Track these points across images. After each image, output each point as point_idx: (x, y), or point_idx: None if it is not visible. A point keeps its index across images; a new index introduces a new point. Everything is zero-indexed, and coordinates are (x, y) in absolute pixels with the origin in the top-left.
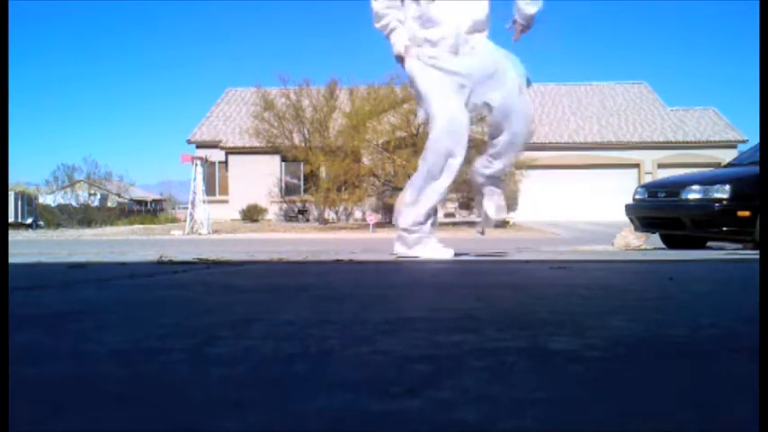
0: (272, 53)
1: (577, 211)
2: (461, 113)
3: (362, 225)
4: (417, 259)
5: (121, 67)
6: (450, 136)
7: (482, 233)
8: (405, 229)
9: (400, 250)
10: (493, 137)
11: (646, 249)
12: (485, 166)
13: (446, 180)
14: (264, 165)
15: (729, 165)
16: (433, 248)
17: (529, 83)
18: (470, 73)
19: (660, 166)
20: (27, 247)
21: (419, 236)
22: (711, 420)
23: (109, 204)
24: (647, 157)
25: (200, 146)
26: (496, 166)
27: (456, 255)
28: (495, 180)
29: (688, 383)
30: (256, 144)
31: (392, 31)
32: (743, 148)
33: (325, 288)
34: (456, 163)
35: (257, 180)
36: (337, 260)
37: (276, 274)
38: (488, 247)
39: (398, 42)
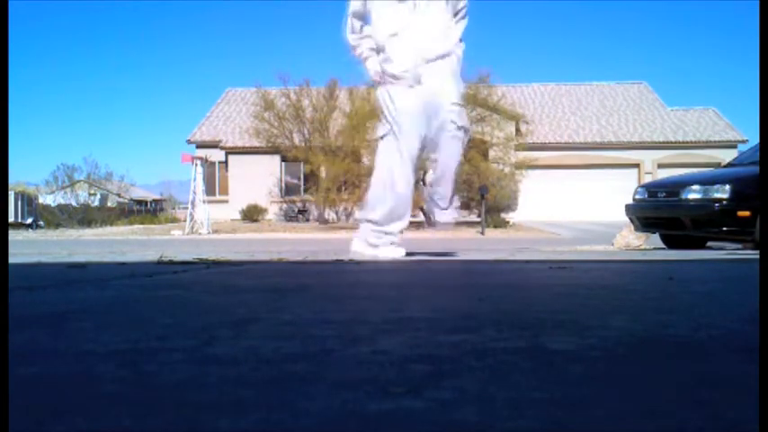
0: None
1: (577, 211)
2: (416, 142)
3: None
4: (418, 259)
5: (121, 66)
6: (407, 166)
7: (482, 233)
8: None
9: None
10: (432, 164)
11: (646, 249)
12: (429, 193)
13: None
14: (264, 165)
15: (729, 165)
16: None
17: (465, 131)
18: (427, 102)
19: (660, 166)
20: (27, 247)
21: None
22: (711, 420)
23: (109, 204)
24: (647, 157)
25: (200, 146)
26: (438, 192)
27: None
28: (439, 200)
29: (688, 383)
30: (256, 144)
31: (366, 59)
32: (743, 148)
33: (325, 288)
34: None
35: (257, 180)
36: (337, 260)
37: (276, 274)
38: (491, 246)
39: (371, 70)
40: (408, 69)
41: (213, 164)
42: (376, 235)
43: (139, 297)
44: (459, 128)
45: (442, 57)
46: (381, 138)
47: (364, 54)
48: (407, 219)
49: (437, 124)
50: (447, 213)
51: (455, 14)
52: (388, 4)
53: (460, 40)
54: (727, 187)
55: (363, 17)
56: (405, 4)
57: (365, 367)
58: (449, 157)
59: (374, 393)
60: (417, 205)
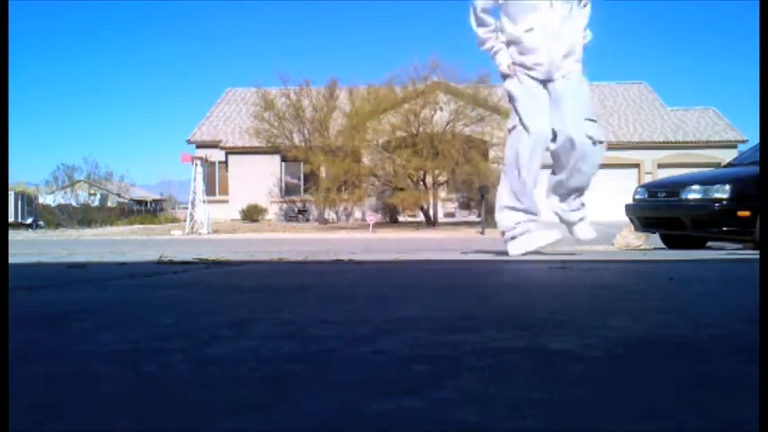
0: (272, 53)
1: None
2: (547, 132)
3: (362, 225)
4: (418, 259)
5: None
6: (535, 148)
7: (482, 233)
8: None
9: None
10: (554, 172)
11: (646, 249)
12: (556, 207)
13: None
14: (264, 165)
15: (729, 165)
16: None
17: (600, 143)
18: (555, 99)
19: (660, 166)
20: (27, 247)
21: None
22: (711, 420)
23: (109, 204)
24: (647, 157)
25: (200, 146)
26: (566, 205)
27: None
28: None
29: (688, 383)
30: (256, 144)
31: (496, 53)
32: (743, 148)
33: (325, 288)
34: (535, 167)
35: (257, 180)
36: (337, 260)
37: (276, 274)
38: (491, 246)
39: (503, 63)
40: (542, 63)
41: (213, 164)
42: (520, 225)
43: (139, 297)
44: (595, 142)
45: (571, 58)
46: (510, 130)
47: (496, 47)
48: (537, 211)
49: (559, 140)
50: (585, 230)
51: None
52: (526, 1)
53: (585, 29)
54: (727, 187)
55: (490, 11)
56: (542, 1)
57: (365, 367)
58: (583, 171)
59: (374, 393)
60: (417, 204)
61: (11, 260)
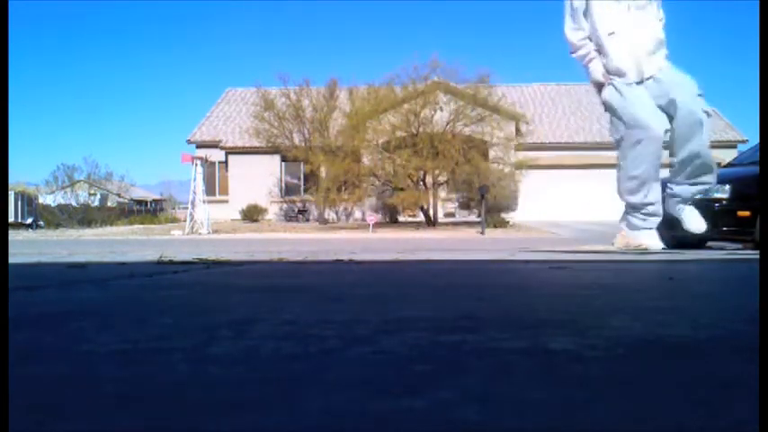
0: (272, 53)
1: (577, 211)
2: (660, 128)
3: (362, 225)
4: (418, 259)
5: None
6: (653, 145)
7: (482, 233)
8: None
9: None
10: (671, 156)
11: (646, 249)
12: (671, 187)
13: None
14: (264, 165)
15: (729, 165)
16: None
17: (708, 114)
18: (656, 95)
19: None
20: (27, 247)
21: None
22: (711, 420)
23: (109, 204)
24: None
25: (200, 146)
26: (677, 188)
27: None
28: (682, 199)
29: (688, 383)
30: (256, 144)
31: (590, 60)
32: (743, 148)
33: (325, 288)
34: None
35: (257, 180)
36: (337, 260)
37: (276, 274)
38: (491, 246)
39: (596, 71)
40: (631, 68)
41: (213, 164)
42: (639, 217)
43: (139, 297)
44: (709, 114)
45: (658, 55)
46: (618, 140)
47: (590, 55)
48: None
49: (681, 116)
50: (697, 219)
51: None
52: (606, 4)
53: (661, 18)
54: (727, 187)
55: (583, 13)
56: (620, 3)
57: (365, 367)
58: (701, 145)
59: (374, 393)
60: (417, 204)
61: (11, 260)
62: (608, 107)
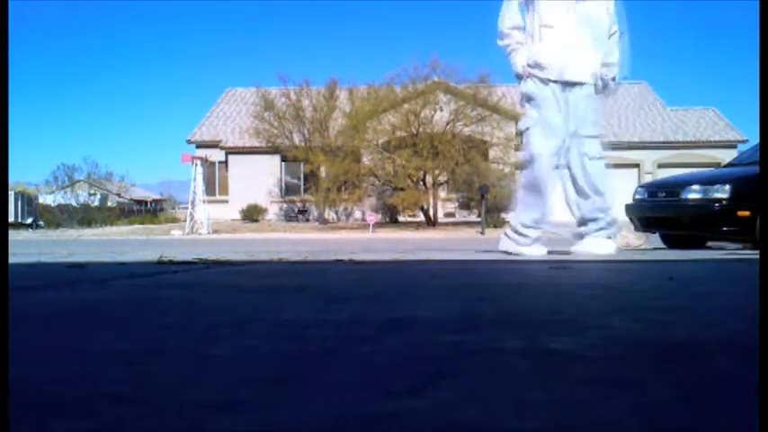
0: (272, 53)
1: None
2: (559, 131)
3: (362, 225)
4: (418, 259)
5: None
6: (544, 161)
7: (482, 233)
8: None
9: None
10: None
11: (646, 249)
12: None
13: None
14: (264, 165)
15: (729, 165)
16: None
17: (600, 159)
18: (567, 104)
19: (660, 166)
20: (27, 247)
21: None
22: (711, 420)
23: (109, 204)
24: (647, 157)
25: (201, 146)
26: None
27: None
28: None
29: (688, 383)
30: (256, 144)
31: (512, 51)
32: (743, 148)
33: (325, 288)
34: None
35: (257, 180)
36: (337, 260)
37: (276, 274)
38: (490, 246)
39: (517, 63)
40: (555, 62)
41: (213, 164)
42: (518, 233)
43: (139, 297)
44: (591, 158)
45: (589, 63)
46: (524, 131)
47: (512, 46)
48: (548, 216)
49: (572, 154)
50: (590, 243)
51: (610, 36)
52: (553, 2)
53: (615, 65)
54: (727, 187)
55: (519, 10)
56: (567, 2)
57: (365, 367)
58: (584, 178)
59: (374, 393)
60: (417, 204)
61: (11, 260)
62: (527, 99)
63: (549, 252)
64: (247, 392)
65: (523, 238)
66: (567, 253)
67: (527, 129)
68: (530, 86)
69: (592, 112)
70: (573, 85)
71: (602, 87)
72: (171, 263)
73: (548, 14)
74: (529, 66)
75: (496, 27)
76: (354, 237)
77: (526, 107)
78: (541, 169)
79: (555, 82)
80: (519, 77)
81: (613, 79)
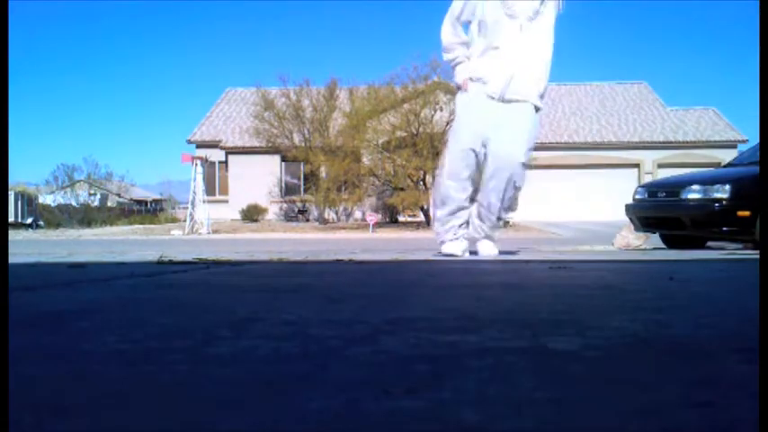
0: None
1: (577, 211)
2: (472, 150)
3: (362, 225)
4: (418, 259)
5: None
6: (461, 164)
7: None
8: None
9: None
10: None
11: (646, 249)
12: (474, 225)
13: (459, 195)
14: (264, 165)
15: (729, 165)
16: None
17: (519, 189)
18: (496, 124)
19: (660, 166)
20: (27, 247)
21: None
22: (711, 420)
23: (109, 204)
24: (647, 157)
25: (200, 146)
26: (481, 225)
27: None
28: (486, 228)
29: (688, 383)
30: (256, 144)
31: (458, 64)
32: (743, 148)
33: (325, 288)
34: (460, 185)
35: (257, 180)
36: (337, 260)
37: (276, 274)
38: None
39: (459, 75)
40: (497, 82)
41: (213, 164)
42: (444, 230)
43: (139, 297)
44: (517, 187)
45: (531, 89)
46: (448, 140)
47: (459, 59)
48: (462, 217)
49: (498, 174)
50: (485, 246)
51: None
52: (499, 16)
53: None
54: (727, 187)
55: (462, 22)
56: (514, 22)
57: (365, 367)
58: (505, 206)
59: (374, 393)
60: (417, 204)
61: (11, 260)
62: (456, 109)
63: (500, 252)
64: (247, 392)
65: (445, 234)
66: (512, 253)
67: (455, 137)
68: (463, 98)
69: (527, 131)
70: (511, 102)
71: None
72: (171, 263)
73: (496, 36)
74: (471, 79)
75: (441, 33)
76: (354, 237)
77: (456, 113)
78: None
79: (493, 99)
80: (458, 88)
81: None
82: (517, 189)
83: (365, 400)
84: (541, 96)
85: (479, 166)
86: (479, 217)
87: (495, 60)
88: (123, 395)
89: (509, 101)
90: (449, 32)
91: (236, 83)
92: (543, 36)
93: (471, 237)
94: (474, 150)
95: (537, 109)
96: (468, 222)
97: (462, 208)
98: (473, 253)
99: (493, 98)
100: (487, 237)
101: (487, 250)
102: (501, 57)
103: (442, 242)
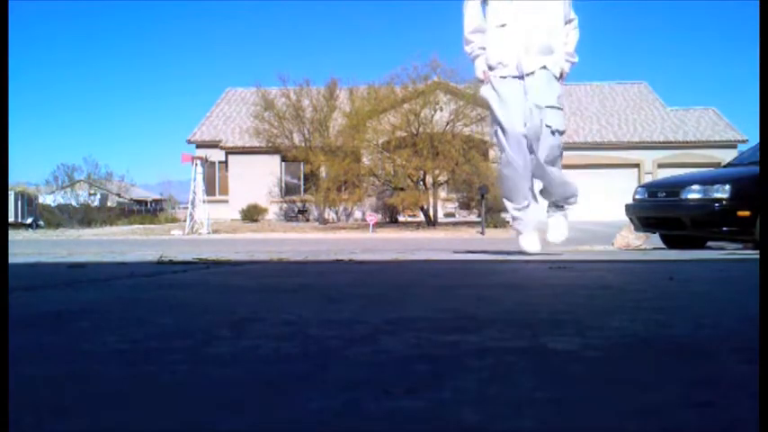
0: (272, 53)
1: (577, 211)
2: (521, 128)
3: (362, 225)
4: (418, 259)
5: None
6: (515, 147)
7: (482, 233)
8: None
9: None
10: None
11: (646, 249)
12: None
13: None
14: (264, 165)
15: (729, 165)
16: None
17: (560, 133)
18: (525, 92)
19: (660, 166)
20: (27, 247)
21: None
22: (711, 420)
23: (109, 204)
24: (647, 157)
25: (200, 146)
26: (546, 196)
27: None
28: (554, 206)
29: (688, 383)
30: (256, 144)
31: (476, 57)
32: (743, 148)
33: (325, 288)
34: (520, 167)
35: (257, 180)
36: (337, 260)
37: (276, 274)
38: (495, 247)
39: (478, 68)
40: (511, 59)
41: (213, 164)
42: (516, 223)
43: (139, 297)
44: (554, 131)
45: (546, 54)
46: (494, 134)
47: (475, 52)
48: (533, 210)
49: (532, 126)
50: (556, 232)
51: (567, 22)
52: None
53: (574, 52)
54: (727, 187)
55: (480, 13)
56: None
57: (365, 367)
58: (547, 159)
59: (374, 393)
60: (417, 204)
61: (11, 260)
62: (486, 104)
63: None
64: (247, 392)
65: (517, 223)
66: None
67: (495, 131)
68: (488, 90)
69: (554, 92)
70: (531, 73)
71: (559, 77)
72: (171, 263)
73: (500, 13)
74: (489, 67)
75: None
76: (354, 237)
77: (490, 109)
78: (515, 161)
79: (515, 77)
80: (480, 82)
81: (572, 65)
82: (559, 134)
83: (365, 400)
84: (565, 64)
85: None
86: (544, 195)
87: (505, 39)
88: (123, 395)
89: (530, 74)
90: (467, 20)
91: (236, 83)
92: (551, 5)
93: (540, 220)
94: (523, 135)
95: (560, 75)
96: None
97: (527, 197)
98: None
99: (514, 77)
100: (555, 216)
101: (556, 235)
102: (509, 33)
103: (519, 234)
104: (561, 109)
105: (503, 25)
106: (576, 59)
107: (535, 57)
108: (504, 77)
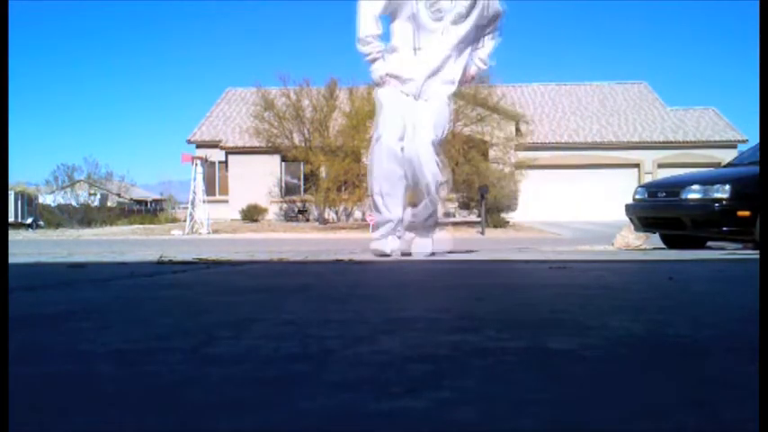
0: (272, 53)
1: (577, 211)
2: (397, 147)
3: (362, 225)
4: (417, 259)
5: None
6: (391, 158)
7: (482, 233)
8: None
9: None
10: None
11: (646, 249)
12: (409, 214)
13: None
14: (264, 165)
15: (729, 165)
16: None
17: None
18: (411, 122)
19: (660, 166)
20: (27, 247)
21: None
22: (711, 420)
23: (109, 204)
24: (647, 157)
25: (200, 146)
26: (415, 216)
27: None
28: (419, 226)
29: (688, 383)
30: (256, 144)
31: (374, 60)
32: (743, 148)
33: (325, 288)
34: (389, 186)
35: (257, 180)
36: (337, 260)
37: (276, 274)
38: (484, 246)
39: (375, 72)
40: (418, 79)
41: (213, 164)
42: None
43: (139, 297)
44: (436, 182)
45: (448, 84)
46: (374, 139)
47: (373, 55)
48: (396, 216)
49: (408, 153)
50: (421, 244)
51: (480, 38)
52: (425, 18)
53: (488, 58)
54: (727, 187)
55: (379, 19)
56: (438, 24)
57: (365, 367)
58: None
59: (374, 393)
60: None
61: (11, 260)
62: (377, 105)
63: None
64: (247, 392)
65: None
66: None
67: (378, 136)
68: (385, 95)
69: (443, 117)
70: (427, 100)
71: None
72: (171, 263)
73: (420, 37)
74: (389, 76)
75: (357, 28)
76: (354, 237)
77: (379, 110)
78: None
79: (412, 95)
80: (377, 84)
81: (481, 69)
82: (437, 184)
83: (365, 400)
84: (452, 95)
85: (403, 166)
86: (412, 215)
87: (416, 60)
88: (123, 395)
89: (423, 99)
90: (371, 24)
91: (236, 83)
92: (463, 39)
93: (406, 234)
94: (391, 149)
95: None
96: (402, 220)
97: (397, 207)
98: (405, 254)
99: (408, 96)
100: (422, 235)
101: (421, 248)
102: (421, 57)
103: (373, 239)
104: (439, 155)
105: (418, 48)
106: (486, 66)
107: (439, 85)
108: (401, 93)
